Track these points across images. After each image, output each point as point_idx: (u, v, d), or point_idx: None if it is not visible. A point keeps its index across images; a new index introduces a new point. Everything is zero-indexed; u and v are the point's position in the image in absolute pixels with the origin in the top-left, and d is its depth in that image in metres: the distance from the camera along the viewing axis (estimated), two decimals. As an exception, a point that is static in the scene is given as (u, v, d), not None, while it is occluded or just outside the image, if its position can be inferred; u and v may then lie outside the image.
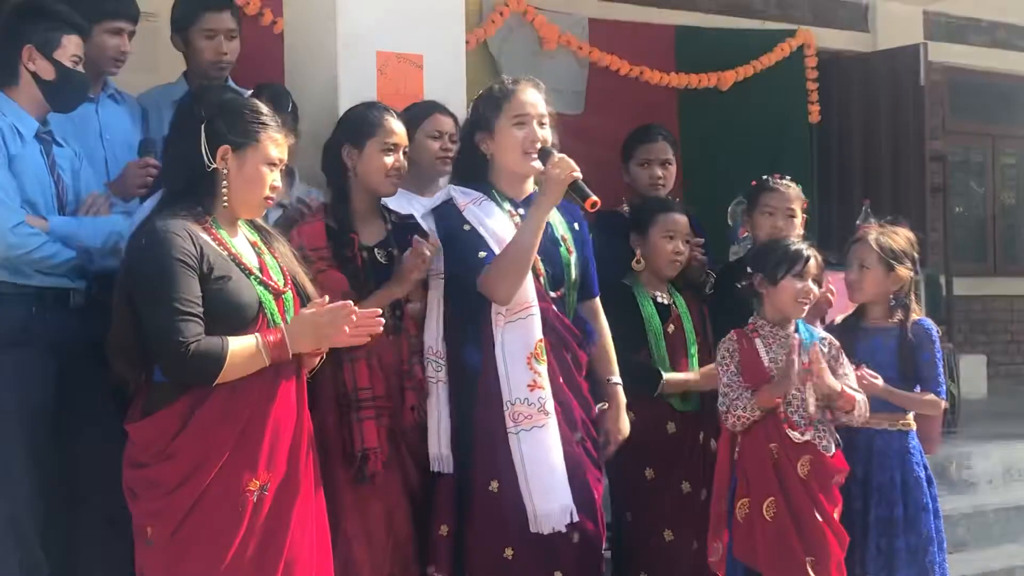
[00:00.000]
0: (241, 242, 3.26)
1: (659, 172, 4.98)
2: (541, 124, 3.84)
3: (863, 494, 4.22)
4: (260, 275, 3.21)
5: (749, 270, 4.18)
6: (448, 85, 4.60)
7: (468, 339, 3.79)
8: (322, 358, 3.33)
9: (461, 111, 4.64)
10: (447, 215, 3.83)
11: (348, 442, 3.70)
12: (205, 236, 3.15)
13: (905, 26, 9.58)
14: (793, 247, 4.14)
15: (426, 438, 3.83)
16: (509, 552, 3.69)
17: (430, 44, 4.58)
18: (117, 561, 3.54)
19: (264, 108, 3.32)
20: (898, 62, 8.71)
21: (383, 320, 3.22)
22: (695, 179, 5.71)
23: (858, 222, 6.90)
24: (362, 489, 3.73)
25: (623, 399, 4.04)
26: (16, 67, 3.94)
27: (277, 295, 3.22)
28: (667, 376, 4.36)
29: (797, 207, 4.66)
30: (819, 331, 4.18)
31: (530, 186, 3.92)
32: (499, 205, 3.83)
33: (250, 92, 4.10)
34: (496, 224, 3.77)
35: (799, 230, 4.62)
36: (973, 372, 9.18)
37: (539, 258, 3.77)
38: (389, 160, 3.86)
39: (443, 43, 4.64)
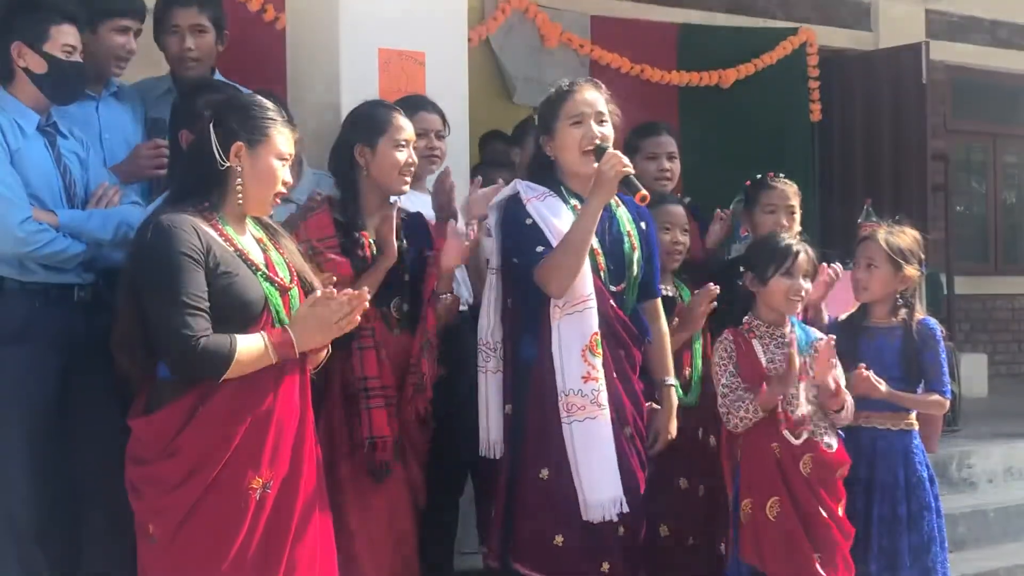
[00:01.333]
0: (247, 239, 3.25)
1: (667, 165, 5.02)
2: (600, 122, 3.89)
3: (866, 493, 4.22)
4: (266, 271, 3.21)
5: (742, 270, 4.19)
6: (450, 82, 4.61)
7: (526, 330, 3.84)
8: (327, 354, 3.32)
9: (463, 108, 4.66)
10: (511, 209, 3.87)
11: (356, 431, 3.72)
12: (212, 232, 3.15)
13: (907, 25, 9.58)
14: (782, 244, 4.14)
15: (427, 434, 3.90)
16: (559, 539, 3.74)
17: (432, 41, 4.59)
18: (119, 558, 3.54)
19: (270, 103, 3.32)
20: (900, 61, 8.70)
21: (367, 296, 3.21)
22: (696, 177, 5.70)
23: (860, 221, 6.90)
24: (364, 485, 3.75)
25: (675, 400, 4.09)
26: (10, 64, 3.93)
27: (283, 292, 3.22)
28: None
29: (797, 203, 4.69)
30: (815, 331, 4.17)
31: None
32: (565, 201, 3.87)
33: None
34: (559, 220, 3.81)
35: (797, 226, 4.64)
36: (974, 371, 9.17)
37: (600, 252, 3.84)
38: (402, 156, 3.89)
39: (445, 40, 4.65)
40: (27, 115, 3.93)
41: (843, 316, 4.47)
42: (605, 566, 3.78)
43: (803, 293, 4.08)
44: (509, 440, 3.85)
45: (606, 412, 3.72)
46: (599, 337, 3.74)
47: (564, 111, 3.88)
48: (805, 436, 3.98)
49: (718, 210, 5.03)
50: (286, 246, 3.34)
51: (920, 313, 4.38)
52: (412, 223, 4.01)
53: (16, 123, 3.89)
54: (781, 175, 4.77)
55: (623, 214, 3.95)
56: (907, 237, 4.40)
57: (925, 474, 4.29)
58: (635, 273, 3.95)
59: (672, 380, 4.09)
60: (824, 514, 3.97)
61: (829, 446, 4.03)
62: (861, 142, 8.85)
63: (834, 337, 4.04)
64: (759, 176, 4.79)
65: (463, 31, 4.78)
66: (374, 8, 4.47)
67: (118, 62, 4.47)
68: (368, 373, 3.75)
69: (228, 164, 3.19)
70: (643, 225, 4.02)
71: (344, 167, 3.94)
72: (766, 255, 4.13)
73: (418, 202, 4.22)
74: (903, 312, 4.34)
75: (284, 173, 3.28)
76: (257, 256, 3.23)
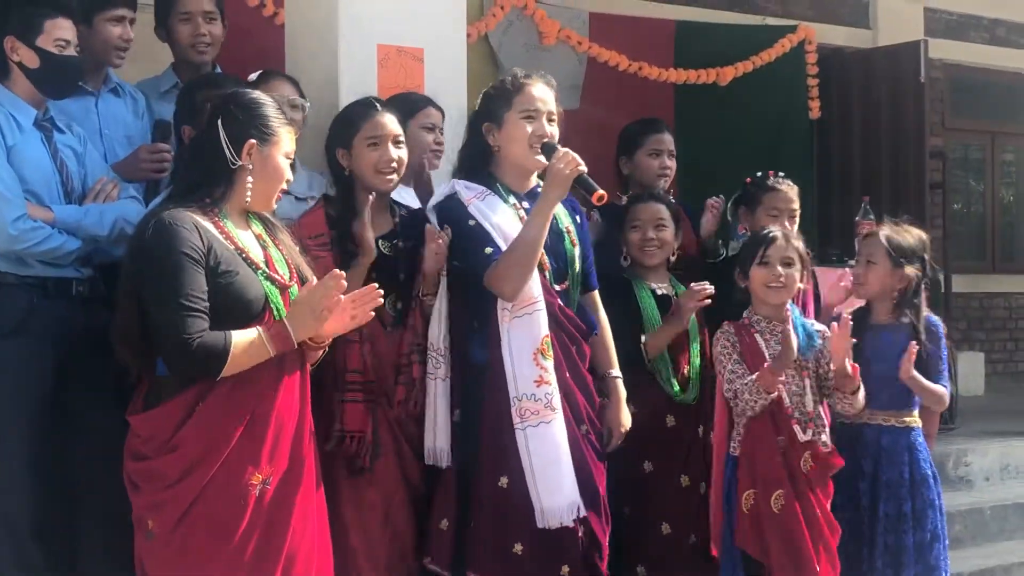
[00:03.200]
0: (247, 236, 3.25)
1: (668, 162, 5.01)
2: (550, 120, 3.85)
3: (871, 491, 4.22)
4: (266, 269, 3.20)
5: (738, 270, 4.20)
6: (449, 78, 4.60)
7: (474, 334, 3.79)
8: (325, 350, 3.32)
9: (462, 104, 4.65)
10: (451, 210, 3.82)
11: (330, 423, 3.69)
12: (213, 230, 3.14)
13: (906, 23, 9.58)
14: (759, 234, 4.17)
15: (421, 427, 3.84)
16: (519, 547, 3.70)
17: (431, 37, 4.58)
18: (117, 553, 3.54)
19: (272, 100, 3.33)
20: (898, 59, 8.70)
21: (381, 292, 3.21)
22: (692, 175, 5.71)
23: (857, 218, 6.91)
24: (359, 479, 3.73)
25: (623, 392, 4.04)
26: (5, 59, 3.92)
27: (283, 289, 3.22)
28: (646, 338, 4.35)
29: (798, 205, 4.71)
30: (815, 325, 4.18)
31: (534, 179, 3.92)
32: (503, 199, 3.83)
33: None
34: (501, 219, 3.76)
35: (795, 227, 4.64)
36: (971, 369, 9.20)
37: (544, 251, 3.77)
38: (375, 154, 3.84)
39: (444, 37, 4.64)
40: (23, 110, 3.92)
41: (846, 312, 4.47)
42: (564, 569, 3.73)
43: (782, 280, 4.07)
44: (458, 448, 3.79)
45: (560, 415, 3.67)
46: (549, 339, 3.69)
47: (517, 102, 3.82)
48: (809, 434, 3.99)
49: (708, 201, 5.02)
50: (284, 241, 3.34)
51: (925, 311, 4.37)
52: (410, 220, 3.98)
53: (12, 118, 3.88)
54: (781, 175, 4.77)
55: (559, 210, 3.88)
56: (911, 236, 4.40)
57: (929, 471, 4.30)
58: (577, 269, 3.92)
59: (616, 372, 4.03)
60: (818, 510, 4.00)
61: (825, 445, 4.06)
62: (859, 140, 8.85)
63: (850, 316, 4.03)
64: (759, 175, 4.78)
65: (462, 27, 4.78)
66: (373, 4, 4.46)
67: (117, 52, 4.46)
68: (350, 367, 3.72)
69: (240, 162, 3.18)
70: (577, 219, 3.98)
71: (334, 168, 3.94)
72: (748, 249, 4.17)
73: (407, 196, 4.20)
74: (908, 311, 4.32)
75: (289, 171, 3.29)
76: (257, 254, 3.22)
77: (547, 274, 3.80)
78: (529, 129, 3.81)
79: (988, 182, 10.85)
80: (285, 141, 3.25)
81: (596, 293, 4.08)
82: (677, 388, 4.40)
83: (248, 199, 3.22)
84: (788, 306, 4.15)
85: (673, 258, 4.58)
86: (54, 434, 3.90)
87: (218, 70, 4.74)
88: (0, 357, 3.83)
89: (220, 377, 3.05)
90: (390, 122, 3.89)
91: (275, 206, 3.34)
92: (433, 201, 3.91)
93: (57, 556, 3.95)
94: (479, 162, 3.90)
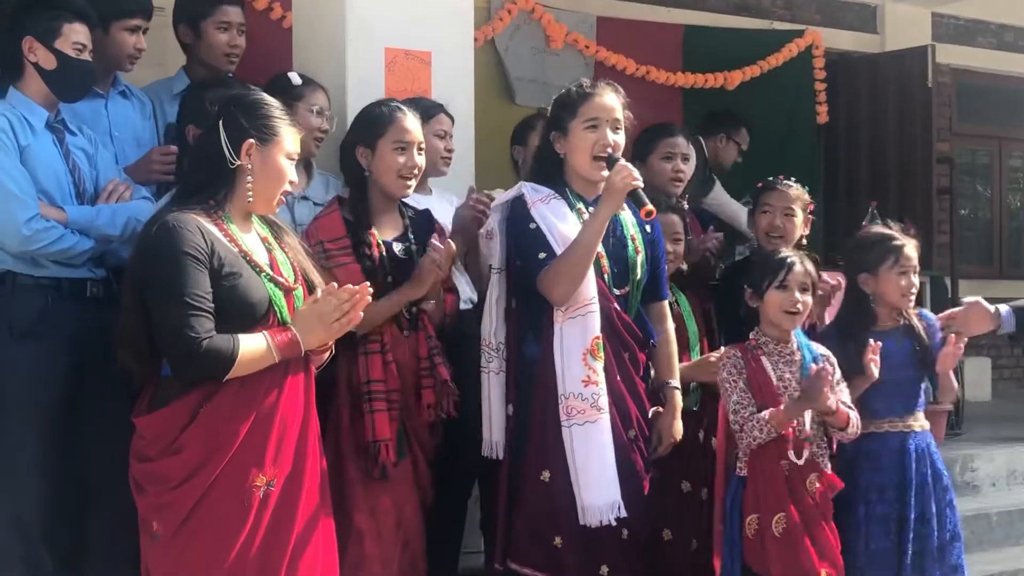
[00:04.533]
0: (252, 238, 3.25)
1: (681, 166, 5.01)
2: (615, 129, 3.87)
3: (901, 497, 4.20)
4: (271, 272, 3.21)
5: (745, 286, 4.19)
6: (456, 82, 4.61)
7: (529, 331, 3.83)
8: (331, 353, 3.32)
9: (469, 108, 4.66)
10: (515, 211, 3.85)
11: (361, 434, 3.72)
12: (216, 232, 3.14)
13: (913, 28, 9.57)
14: (776, 257, 4.14)
15: (436, 434, 3.91)
16: (558, 540, 3.74)
17: (438, 41, 4.59)
18: (125, 556, 3.54)
19: (276, 102, 3.33)
20: (906, 64, 8.70)
21: (371, 290, 3.21)
22: (700, 179, 5.74)
23: (864, 223, 6.90)
24: (373, 484, 3.75)
25: (679, 403, 4.05)
26: (21, 60, 3.93)
27: (287, 292, 3.22)
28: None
29: (797, 207, 4.65)
30: (818, 348, 4.16)
31: (602, 186, 3.92)
32: (570, 204, 3.86)
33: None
34: (564, 224, 3.79)
35: (801, 230, 4.63)
36: (978, 375, 9.18)
37: (604, 255, 3.82)
38: (401, 159, 3.85)
39: (451, 40, 4.65)
40: (36, 111, 3.94)
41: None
42: (604, 569, 3.76)
43: (799, 306, 4.05)
44: (511, 441, 3.85)
45: (606, 416, 3.70)
46: (601, 341, 3.72)
47: (582, 112, 3.85)
48: (806, 455, 3.98)
49: (710, 229, 5.00)
50: (290, 244, 3.34)
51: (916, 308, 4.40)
52: (419, 221, 4.00)
53: (25, 120, 3.89)
54: (791, 179, 4.75)
55: (627, 218, 3.94)
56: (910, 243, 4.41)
57: (944, 471, 4.31)
58: (639, 276, 3.93)
59: (676, 383, 4.06)
60: (826, 529, 4.00)
61: (827, 466, 4.06)
62: (866, 145, 8.84)
63: (826, 365, 4.01)
64: (770, 179, 4.78)
65: (469, 31, 4.78)
66: (380, 7, 4.47)
67: (130, 60, 4.49)
68: (373, 376, 3.74)
69: (239, 162, 3.19)
70: (648, 228, 4.00)
71: (349, 168, 3.94)
72: (762, 269, 4.13)
73: (426, 203, 4.21)
74: (901, 314, 4.33)
75: (292, 172, 3.28)
76: (261, 256, 3.23)
77: (606, 278, 3.83)
78: (592, 139, 3.84)
79: (995, 187, 10.82)
80: (287, 142, 3.25)
81: (665, 304, 4.10)
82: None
83: (249, 200, 3.22)
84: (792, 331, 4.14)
85: (685, 267, 4.59)
86: (67, 435, 3.90)
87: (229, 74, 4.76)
88: (15, 358, 3.83)
89: (224, 380, 3.05)
90: (416, 128, 3.91)
91: (277, 209, 3.34)
92: (499, 200, 3.94)
93: (65, 558, 3.95)
94: (550, 168, 3.94)
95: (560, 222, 3.79)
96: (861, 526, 4.15)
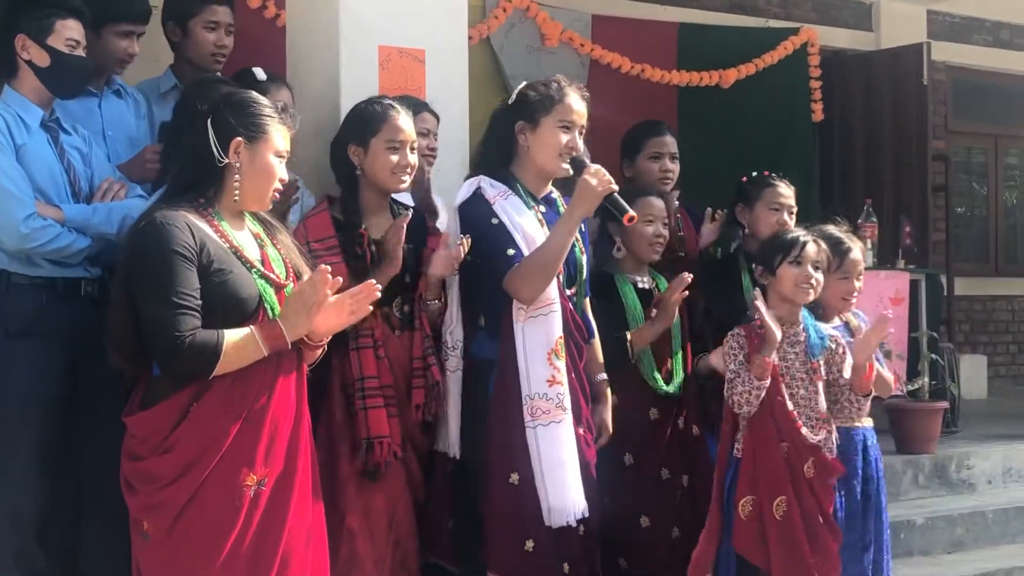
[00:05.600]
0: (244, 235, 3.25)
1: (669, 165, 5.01)
2: (581, 133, 3.89)
3: (864, 489, 4.23)
4: (262, 268, 3.20)
5: (753, 266, 4.21)
6: (450, 80, 4.59)
7: (480, 331, 3.83)
8: (323, 351, 3.31)
9: (463, 106, 4.65)
10: (475, 207, 3.83)
11: (355, 433, 3.70)
12: (207, 229, 3.14)
13: (908, 25, 9.57)
14: (790, 235, 4.19)
15: (428, 433, 3.88)
16: (530, 544, 3.72)
17: (432, 39, 4.57)
18: (119, 555, 3.53)
19: (266, 100, 3.32)
20: (901, 61, 8.70)
21: (379, 287, 3.20)
22: (695, 177, 5.70)
23: (859, 221, 6.91)
24: (365, 484, 3.74)
25: (610, 396, 4.09)
26: (14, 59, 3.93)
27: (278, 289, 3.21)
28: (631, 335, 4.35)
29: (794, 203, 4.73)
30: (826, 329, 4.18)
31: (549, 185, 3.97)
32: (524, 200, 3.86)
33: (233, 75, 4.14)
34: (523, 221, 3.80)
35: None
36: (974, 372, 9.19)
37: None
38: (395, 158, 3.85)
39: (446, 38, 4.63)
40: (31, 110, 3.93)
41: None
42: (565, 567, 3.76)
43: (813, 281, 4.10)
44: (465, 443, 3.83)
45: (569, 415, 3.71)
46: (563, 340, 3.74)
47: (557, 111, 3.86)
48: (820, 437, 3.99)
49: (709, 210, 5.02)
50: (283, 241, 3.34)
51: None
52: (412, 222, 3.97)
53: (20, 118, 3.89)
54: (778, 174, 4.78)
55: None
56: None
57: (881, 464, 4.36)
58: (584, 276, 3.97)
59: (604, 376, 4.09)
60: (820, 518, 4.01)
61: (830, 451, 4.07)
62: (861, 142, 8.85)
63: (835, 336, 4.10)
64: (755, 174, 4.79)
65: (463, 29, 4.77)
66: (374, 5, 4.45)
67: (120, 64, 4.47)
68: (366, 373, 3.73)
69: (227, 160, 3.19)
70: (582, 227, 4.00)
71: (341, 166, 3.93)
72: (774, 247, 4.18)
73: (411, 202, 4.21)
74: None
75: (281, 170, 3.27)
76: (253, 253, 3.22)
77: (561, 278, 3.83)
78: (564, 139, 3.84)
79: (991, 185, 10.83)
80: (276, 140, 3.24)
81: (587, 300, 4.12)
82: (660, 382, 4.40)
83: (236, 198, 3.21)
84: (800, 310, 4.17)
85: (682, 254, 4.60)
86: (63, 434, 3.90)
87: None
88: (10, 357, 3.84)
89: (213, 376, 3.04)
90: (409, 126, 3.90)
91: (270, 205, 3.32)
92: (459, 199, 3.91)
93: (59, 557, 3.94)
94: (501, 156, 3.92)
95: (520, 219, 3.79)
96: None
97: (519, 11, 7.61)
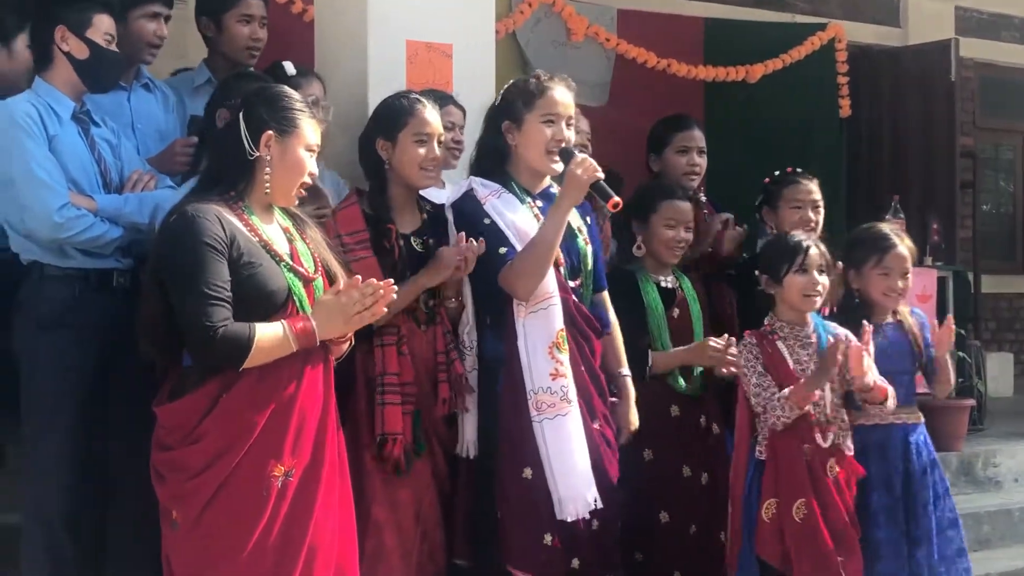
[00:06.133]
0: (273, 229, 3.26)
1: (696, 160, 4.97)
2: (568, 124, 3.88)
3: (905, 486, 4.21)
4: (290, 262, 3.22)
5: (757, 273, 4.19)
6: (477, 75, 4.60)
7: (487, 330, 3.84)
8: (350, 344, 3.33)
9: (489, 101, 4.65)
10: (468, 208, 3.84)
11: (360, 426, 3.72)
12: (237, 222, 3.15)
13: (936, 21, 9.53)
14: (792, 241, 4.15)
15: (454, 427, 3.88)
16: (548, 538, 3.72)
17: (459, 34, 4.58)
18: (145, 548, 3.56)
19: (297, 94, 3.34)
20: (929, 57, 8.66)
21: (394, 286, 3.20)
22: (721, 173, 5.69)
23: (887, 217, 6.88)
24: (391, 477, 3.74)
25: (632, 391, 4.07)
26: (50, 50, 3.95)
27: (307, 282, 3.23)
28: (654, 355, 4.35)
29: (820, 197, 4.70)
30: (837, 328, 4.16)
31: (548, 179, 3.96)
32: (518, 197, 3.86)
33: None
34: (517, 218, 3.80)
35: (821, 220, 4.66)
36: (1000, 370, 9.13)
37: (559, 249, 3.81)
38: (422, 151, 3.85)
39: (472, 33, 4.63)
40: (62, 102, 3.96)
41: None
42: (575, 562, 3.76)
43: (819, 288, 4.07)
44: (481, 442, 3.83)
45: (576, 408, 3.71)
46: (564, 333, 3.73)
47: (539, 106, 3.85)
48: (832, 438, 3.99)
49: (728, 217, 4.97)
50: (312, 236, 3.35)
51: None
52: (437, 215, 3.99)
53: (52, 109, 3.92)
54: (800, 170, 4.76)
55: (572, 211, 3.89)
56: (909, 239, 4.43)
57: (937, 460, 4.33)
58: (589, 267, 3.95)
59: (627, 371, 4.07)
60: (846, 516, 4.00)
61: (849, 448, 4.06)
62: (889, 139, 8.81)
63: (839, 335, 4.06)
64: (777, 173, 4.77)
65: (491, 23, 4.78)
66: (401, 0, 4.46)
67: (150, 49, 4.50)
68: (388, 369, 3.73)
69: (257, 153, 3.20)
70: (588, 219, 4.01)
71: (369, 160, 3.94)
72: (777, 255, 4.14)
73: (441, 197, 4.21)
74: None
75: (311, 164, 3.29)
76: (282, 246, 3.24)
77: (562, 270, 3.83)
78: (548, 133, 3.84)
79: (1018, 182, 10.77)
80: (307, 134, 3.26)
81: (605, 293, 4.11)
82: (682, 382, 4.39)
83: (267, 191, 3.23)
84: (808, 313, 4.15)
85: (710, 250, 4.59)
86: (94, 426, 3.92)
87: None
88: (42, 349, 3.87)
89: (243, 368, 3.06)
90: (436, 120, 3.91)
91: (297, 200, 3.33)
92: (451, 199, 3.93)
93: (87, 549, 3.96)
94: (496, 158, 3.93)
95: (514, 216, 3.80)
96: (872, 516, 4.14)
97: (545, 6, 7.61)
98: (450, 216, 3.89)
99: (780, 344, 4.08)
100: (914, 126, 8.64)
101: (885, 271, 4.27)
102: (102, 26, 3.97)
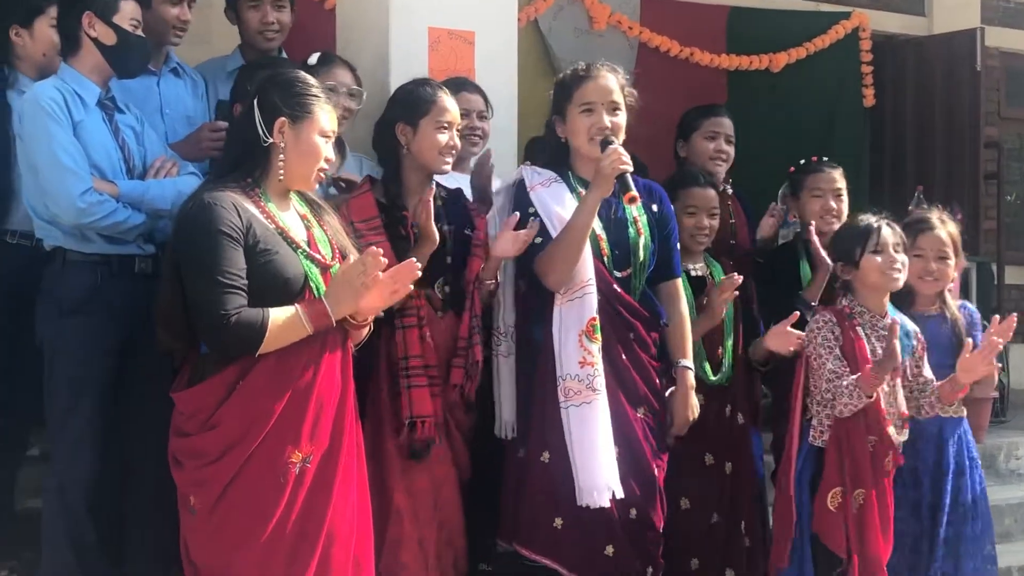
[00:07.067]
0: (291, 215, 3.27)
1: (724, 146, 4.99)
2: (613, 111, 3.88)
3: (934, 481, 4.22)
4: (307, 249, 3.22)
5: (831, 263, 4.15)
6: (499, 63, 4.60)
7: (535, 314, 3.86)
8: (370, 329, 3.32)
9: (512, 88, 4.65)
10: (517, 196, 3.90)
11: (399, 412, 3.72)
12: (253, 209, 3.16)
13: (961, 10, 9.45)
14: (861, 224, 4.12)
15: (472, 412, 3.93)
16: (559, 522, 3.75)
17: (482, 21, 4.58)
18: (166, 529, 3.58)
19: (313, 80, 3.34)
20: (954, 47, 8.60)
21: (420, 265, 3.20)
22: (744, 162, 5.67)
23: (911, 207, 6.84)
24: (411, 464, 3.76)
25: (691, 382, 4.04)
26: (78, 35, 3.97)
27: (324, 269, 3.23)
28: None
29: (843, 186, 4.69)
30: (909, 324, 4.13)
31: None
32: (571, 187, 3.89)
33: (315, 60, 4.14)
34: (561, 208, 3.82)
35: (845, 209, 4.63)
36: (1023, 362, 9.07)
37: (603, 238, 3.84)
38: (443, 138, 3.88)
39: (494, 20, 4.64)
40: (89, 88, 3.97)
41: None
42: (609, 550, 3.77)
43: (897, 265, 4.04)
44: (518, 423, 3.89)
45: (602, 397, 3.72)
46: (597, 322, 3.73)
47: (576, 97, 3.88)
48: (904, 436, 4.00)
49: (773, 204, 4.99)
50: (330, 223, 3.35)
51: (955, 298, 4.39)
52: (452, 202, 4.01)
53: (77, 95, 3.93)
54: (825, 159, 4.74)
55: None
56: (955, 227, 4.38)
57: (978, 458, 4.33)
58: (642, 259, 3.92)
59: (687, 362, 4.03)
60: (890, 507, 4.00)
61: (900, 444, 4.05)
62: (913, 128, 8.75)
63: (916, 332, 4.07)
64: (801, 162, 4.76)
65: (513, 11, 4.77)
66: (424, -13, 4.46)
67: (175, 32, 4.51)
68: (411, 352, 3.75)
69: (271, 140, 3.20)
70: (655, 208, 3.99)
71: (386, 145, 3.95)
72: (850, 239, 4.11)
73: (460, 182, 4.21)
74: (939, 300, 4.34)
75: (327, 150, 3.29)
76: (299, 233, 3.24)
77: (605, 260, 3.84)
78: (588, 122, 3.85)
79: (1043, 173, 10.69)
80: (322, 120, 3.26)
81: (677, 282, 4.09)
82: (709, 371, 4.39)
83: (280, 177, 3.23)
84: (887, 301, 4.12)
85: (733, 242, 4.57)
86: (115, 410, 3.94)
87: (283, 54, 4.77)
88: (64, 334, 3.89)
89: (259, 354, 3.06)
90: (455, 109, 3.94)
91: (315, 186, 3.34)
92: (503, 185, 3.98)
93: (108, 534, 3.99)
94: (555, 152, 3.98)
95: (558, 206, 3.82)
96: (897, 509, 4.12)
97: (568, -6, 7.58)
98: (500, 201, 3.95)
99: (860, 331, 4.03)
100: (938, 116, 8.58)
101: (919, 252, 4.24)
102: (128, 11, 3.99)
